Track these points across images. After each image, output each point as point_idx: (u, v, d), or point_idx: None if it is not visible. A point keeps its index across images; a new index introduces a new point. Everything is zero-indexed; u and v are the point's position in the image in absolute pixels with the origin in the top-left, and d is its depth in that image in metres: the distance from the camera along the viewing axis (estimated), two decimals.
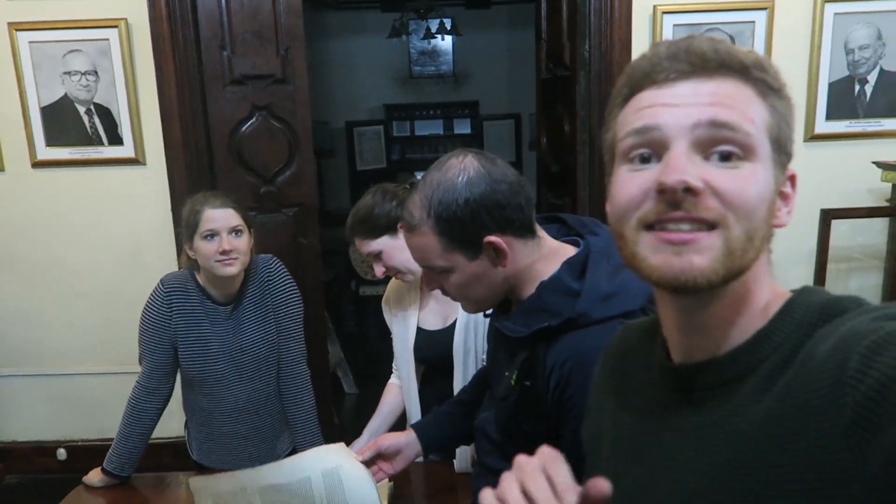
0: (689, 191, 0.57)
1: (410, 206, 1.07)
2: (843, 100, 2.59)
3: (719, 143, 0.59)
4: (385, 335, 1.83)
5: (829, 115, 2.60)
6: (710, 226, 0.58)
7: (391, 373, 1.89)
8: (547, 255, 1.10)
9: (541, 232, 1.11)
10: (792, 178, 0.65)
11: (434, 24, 5.75)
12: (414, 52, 6.17)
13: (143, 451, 1.76)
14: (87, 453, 3.10)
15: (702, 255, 0.58)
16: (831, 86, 2.57)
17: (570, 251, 1.11)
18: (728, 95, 0.59)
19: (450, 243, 1.04)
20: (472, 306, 1.16)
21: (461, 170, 1.03)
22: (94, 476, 1.75)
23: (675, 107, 0.60)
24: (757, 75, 0.61)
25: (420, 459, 1.65)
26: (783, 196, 0.63)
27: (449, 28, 5.75)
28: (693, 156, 0.59)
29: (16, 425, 3.30)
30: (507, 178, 1.05)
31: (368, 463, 1.42)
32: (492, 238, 1.03)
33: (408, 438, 1.47)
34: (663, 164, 0.60)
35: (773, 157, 0.61)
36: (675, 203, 0.58)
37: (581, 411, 1.00)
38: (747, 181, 0.58)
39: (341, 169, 6.10)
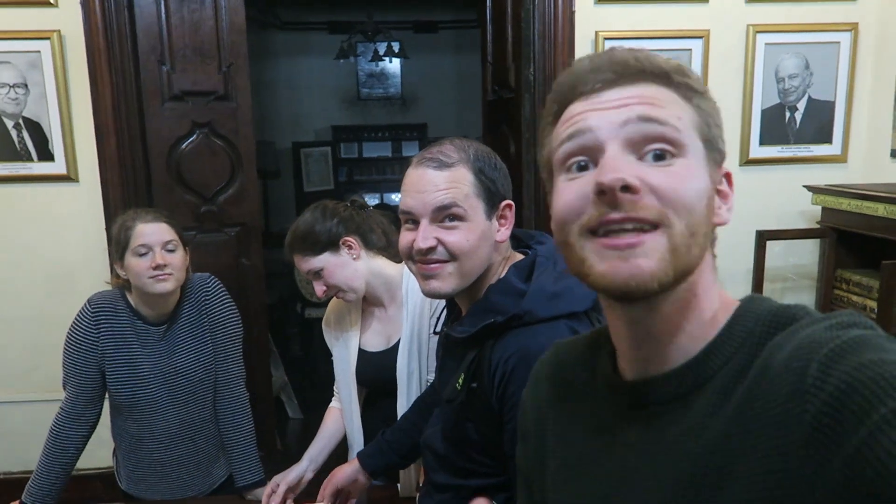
0: (627, 189, 0.57)
1: (443, 151, 1.08)
2: (775, 126, 2.69)
3: (651, 141, 0.60)
4: (330, 358, 1.79)
5: (763, 141, 2.70)
6: (653, 225, 0.58)
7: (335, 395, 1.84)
8: (508, 259, 1.14)
9: None
10: (727, 176, 0.65)
11: (382, 47, 5.78)
12: (362, 73, 6.18)
13: (66, 483, 1.66)
14: (9, 487, 2.91)
15: (648, 258, 0.58)
16: (764, 112, 2.67)
17: (519, 258, 1.14)
18: (653, 97, 0.61)
19: (480, 189, 1.07)
20: (457, 277, 1.07)
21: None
22: None
23: (604, 110, 0.61)
24: (678, 80, 0.63)
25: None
26: (721, 194, 0.64)
27: (397, 51, 5.78)
28: (627, 156, 0.60)
29: None
30: None
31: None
32: (509, 202, 1.10)
33: (356, 468, 1.50)
34: (599, 166, 0.60)
35: (706, 155, 0.62)
36: (614, 204, 0.58)
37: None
38: (682, 177, 0.59)
39: (288, 190, 6.01)
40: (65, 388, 1.66)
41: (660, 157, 0.60)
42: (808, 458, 0.51)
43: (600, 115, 0.61)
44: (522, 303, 1.03)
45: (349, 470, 1.51)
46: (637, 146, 0.60)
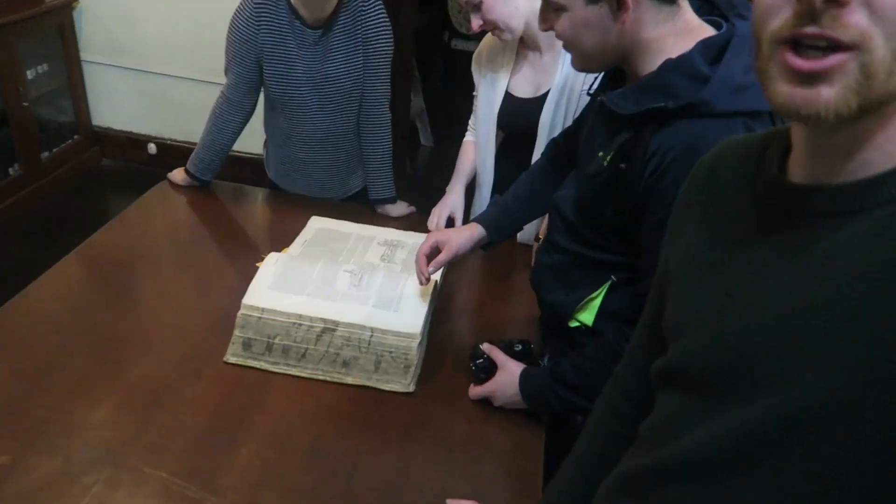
0: (831, 0, 0.47)
1: None
2: None
3: None
4: (470, 94, 1.75)
5: None
6: (848, 47, 0.48)
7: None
8: (681, 31, 0.97)
9: (682, 2, 0.97)
10: None
11: None
12: None
13: (223, 161, 1.83)
14: (175, 151, 3.29)
15: (832, 87, 0.49)
16: None
17: (708, 32, 0.97)
18: None
19: None
20: (579, 60, 1.06)
21: None
22: (178, 175, 1.86)
23: None
24: None
25: None
26: None
27: None
28: None
29: (110, 114, 3.49)
30: None
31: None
32: None
33: (479, 234, 1.37)
34: None
35: None
36: (811, 15, 0.48)
37: (671, 203, 0.95)
38: None
39: None
40: (226, 75, 1.75)
41: None
42: None
43: None
44: (702, 91, 0.91)
45: (468, 236, 1.36)
46: None
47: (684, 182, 0.76)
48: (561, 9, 0.99)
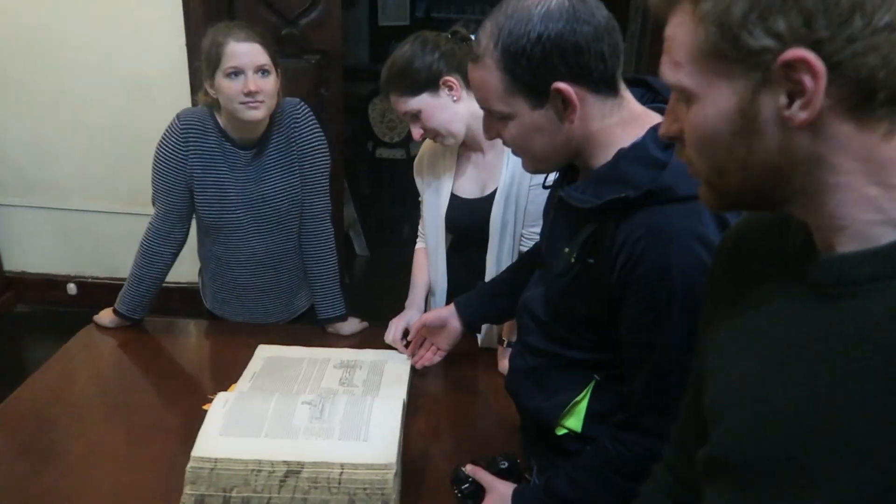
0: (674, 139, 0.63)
1: (480, 33, 0.94)
2: None
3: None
4: (399, 200, 1.73)
5: None
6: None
7: (402, 237, 1.80)
8: (628, 120, 0.96)
9: (625, 92, 0.97)
10: (793, 64, 0.50)
11: None
12: None
13: (155, 296, 1.70)
14: (98, 289, 3.10)
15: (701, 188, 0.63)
16: None
17: (655, 119, 0.96)
18: (669, 38, 0.59)
19: (513, 84, 0.92)
20: (530, 163, 1.04)
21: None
22: (106, 316, 1.71)
23: None
24: None
25: None
26: (796, 91, 0.51)
27: None
28: (678, 103, 0.61)
29: (25, 257, 3.29)
30: (594, 20, 0.90)
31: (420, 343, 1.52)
32: (561, 86, 0.90)
33: (451, 312, 1.43)
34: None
35: (730, 69, 0.54)
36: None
37: (648, 293, 0.92)
38: (689, 123, 0.59)
39: (362, 22, 5.74)
40: (154, 205, 1.65)
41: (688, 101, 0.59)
42: None
43: None
44: (660, 177, 0.89)
45: (443, 311, 1.46)
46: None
47: (709, 265, 0.76)
48: (507, 117, 0.97)
